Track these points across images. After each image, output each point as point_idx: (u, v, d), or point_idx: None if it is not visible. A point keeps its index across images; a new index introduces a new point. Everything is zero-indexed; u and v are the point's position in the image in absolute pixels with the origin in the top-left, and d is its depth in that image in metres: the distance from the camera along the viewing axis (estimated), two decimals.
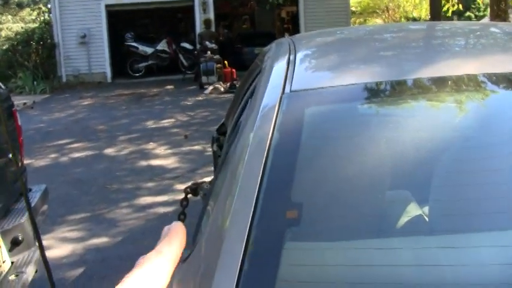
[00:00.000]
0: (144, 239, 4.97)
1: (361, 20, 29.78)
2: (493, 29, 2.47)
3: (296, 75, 1.60)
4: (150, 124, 10.80)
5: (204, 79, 15.44)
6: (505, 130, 1.50)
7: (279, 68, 1.75)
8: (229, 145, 1.84)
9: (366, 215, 1.29)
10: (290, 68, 1.67)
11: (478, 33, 2.33)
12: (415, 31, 2.65)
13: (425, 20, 22.59)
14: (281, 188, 1.24)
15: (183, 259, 1.41)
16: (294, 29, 20.77)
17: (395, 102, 1.58)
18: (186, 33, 20.33)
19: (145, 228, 5.26)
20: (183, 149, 8.61)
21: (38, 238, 2.58)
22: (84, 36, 18.27)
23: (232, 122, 2.59)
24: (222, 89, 14.79)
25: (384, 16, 28.24)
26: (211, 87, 14.90)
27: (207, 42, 16.60)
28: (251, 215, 1.14)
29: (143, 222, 5.44)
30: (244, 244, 1.09)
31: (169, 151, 8.52)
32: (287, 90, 1.50)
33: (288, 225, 1.21)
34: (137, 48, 18.92)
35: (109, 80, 18.61)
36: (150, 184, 6.77)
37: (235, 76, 15.35)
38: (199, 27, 18.37)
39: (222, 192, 1.37)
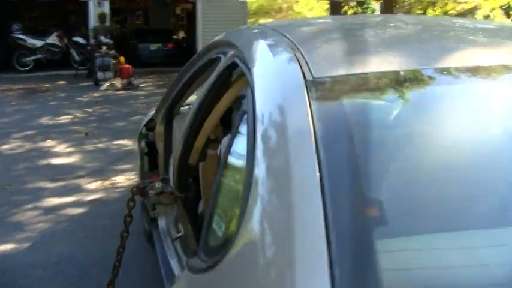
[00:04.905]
0: (56, 244, 4.60)
1: (254, 20, 29.91)
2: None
3: (310, 61, 1.41)
4: (46, 121, 10.17)
5: (100, 75, 14.82)
6: None
7: (284, 56, 1.54)
8: (232, 139, 1.62)
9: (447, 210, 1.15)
10: (297, 54, 1.47)
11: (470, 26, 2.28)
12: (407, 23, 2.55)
13: None
14: (348, 183, 1.08)
15: (202, 269, 1.20)
16: (190, 26, 20.53)
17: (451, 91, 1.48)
18: (79, 27, 19.43)
19: (55, 232, 4.87)
20: (85, 146, 8.17)
21: None
22: None
23: (190, 117, 2.36)
24: (119, 86, 14.28)
25: (277, 17, 28.53)
26: (107, 84, 14.34)
27: (102, 37, 15.98)
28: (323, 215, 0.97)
29: (52, 225, 5.03)
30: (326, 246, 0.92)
31: (70, 149, 8.03)
32: (308, 77, 1.32)
33: (370, 223, 1.05)
34: (25, 40, 17.79)
35: None
36: (54, 184, 6.31)
37: (131, 72, 14.86)
38: (93, 21, 17.63)
39: (260, 192, 1.17)
